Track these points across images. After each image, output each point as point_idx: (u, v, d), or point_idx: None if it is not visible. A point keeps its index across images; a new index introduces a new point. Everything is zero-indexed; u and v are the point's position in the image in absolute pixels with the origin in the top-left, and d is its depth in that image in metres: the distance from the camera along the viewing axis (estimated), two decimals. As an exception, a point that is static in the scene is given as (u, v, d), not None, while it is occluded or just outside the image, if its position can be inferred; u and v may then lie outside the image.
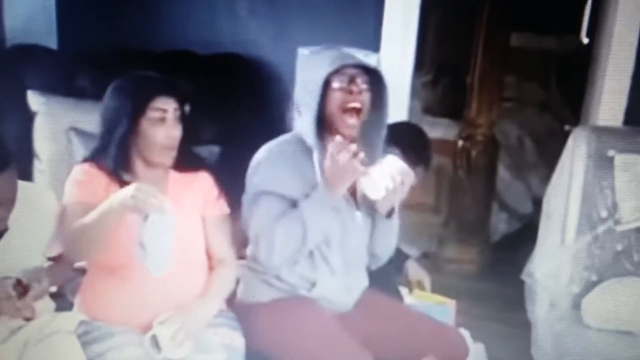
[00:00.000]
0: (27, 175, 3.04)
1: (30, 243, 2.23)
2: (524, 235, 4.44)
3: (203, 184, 2.40)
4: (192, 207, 2.36)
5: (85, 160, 2.30)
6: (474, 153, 4.44)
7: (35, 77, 3.28)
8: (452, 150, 4.53)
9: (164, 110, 2.21)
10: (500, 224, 4.81)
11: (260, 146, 2.65)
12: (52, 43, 3.67)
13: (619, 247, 2.92)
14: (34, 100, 3.20)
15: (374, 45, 3.48)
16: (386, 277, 2.72)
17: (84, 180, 2.22)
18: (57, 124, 3.15)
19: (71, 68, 3.38)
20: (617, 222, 2.91)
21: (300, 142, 2.23)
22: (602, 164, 2.94)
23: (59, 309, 2.31)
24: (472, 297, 3.73)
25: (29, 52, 3.42)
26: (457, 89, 5.03)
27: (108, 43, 3.50)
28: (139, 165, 2.27)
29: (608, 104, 3.17)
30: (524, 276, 3.05)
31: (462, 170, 4.53)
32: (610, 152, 2.94)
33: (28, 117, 3.19)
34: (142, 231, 2.02)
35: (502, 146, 4.68)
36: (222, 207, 2.43)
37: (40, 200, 2.29)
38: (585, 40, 5.93)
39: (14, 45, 3.49)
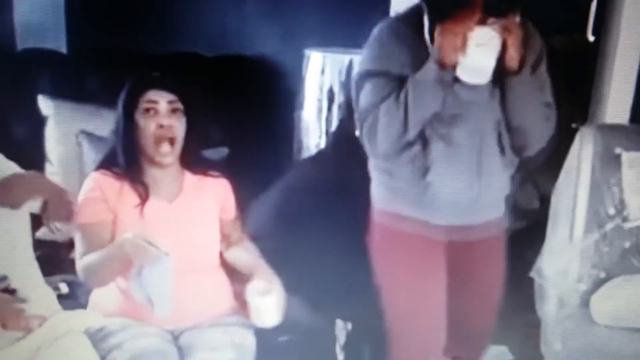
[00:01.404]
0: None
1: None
2: (532, 232, 4.44)
3: (221, 189, 2.45)
4: (207, 210, 2.39)
5: (97, 167, 2.37)
6: None
7: (46, 81, 3.32)
8: None
9: (155, 102, 2.25)
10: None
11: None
12: (61, 47, 3.70)
13: (627, 245, 2.93)
14: (45, 104, 3.23)
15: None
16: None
17: (95, 196, 2.26)
18: (67, 128, 3.19)
19: (81, 72, 3.41)
20: (624, 219, 2.92)
21: (413, 17, 2.15)
22: (609, 162, 2.95)
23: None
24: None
25: (39, 56, 3.47)
26: None
27: (117, 46, 3.51)
28: (147, 165, 2.31)
29: (615, 102, 3.18)
30: (532, 274, 3.05)
31: None
32: (617, 150, 2.96)
33: (39, 121, 3.23)
34: (143, 282, 2.07)
35: None
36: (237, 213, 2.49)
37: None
38: (592, 38, 5.92)
39: (24, 49, 3.53)
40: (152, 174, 2.32)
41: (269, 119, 3.52)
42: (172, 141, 2.27)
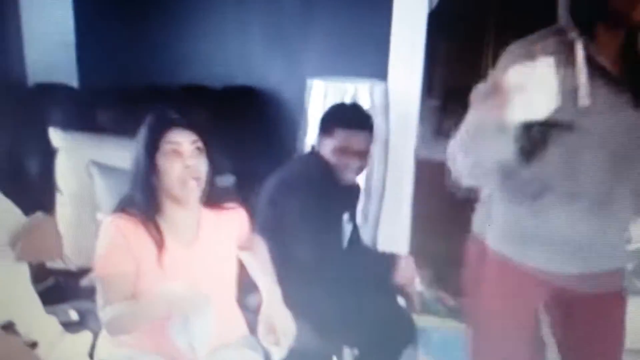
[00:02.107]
0: (49, 208, 3.10)
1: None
2: None
3: (237, 220, 2.42)
4: (226, 246, 2.36)
5: (115, 210, 2.28)
6: None
7: (57, 114, 3.36)
8: None
9: (178, 143, 2.19)
10: None
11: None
12: (72, 80, 3.75)
13: (630, 267, 2.85)
14: (56, 136, 3.27)
15: (382, 73, 3.58)
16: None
17: (119, 244, 2.18)
18: (78, 159, 3.22)
19: (91, 105, 3.46)
20: (627, 242, 2.92)
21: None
22: None
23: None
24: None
25: (50, 90, 3.52)
26: (464, 112, 5.04)
27: (126, 80, 3.59)
28: (168, 206, 2.25)
29: None
30: None
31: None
32: None
33: (50, 153, 3.26)
34: (189, 329, 2.07)
35: None
36: (254, 241, 2.46)
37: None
38: None
39: (36, 83, 3.59)
40: (171, 215, 2.26)
41: (273, 146, 3.55)
42: (197, 180, 2.22)
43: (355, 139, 2.82)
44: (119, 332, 2.20)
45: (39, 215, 2.34)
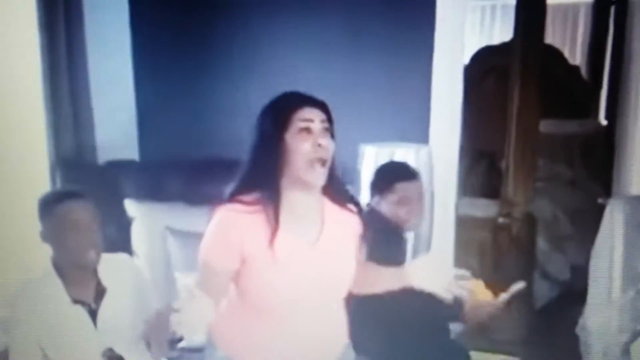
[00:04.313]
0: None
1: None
2: (566, 300, 4.73)
3: (356, 227, 2.23)
4: (348, 248, 2.21)
5: (229, 198, 2.11)
6: (514, 228, 4.64)
7: (129, 187, 3.73)
8: (493, 227, 4.75)
9: (310, 120, 2.05)
10: (543, 292, 5.13)
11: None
12: (135, 155, 4.07)
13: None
14: (130, 207, 3.69)
15: (424, 138, 3.77)
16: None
17: (220, 237, 2.08)
18: (151, 226, 3.56)
19: (157, 176, 3.78)
20: None
21: None
22: (639, 228, 3.25)
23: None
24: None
25: (120, 166, 3.85)
26: (492, 172, 5.39)
27: (184, 153, 3.86)
28: (290, 192, 2.08)
29: (638, 177, 3.60)
30: (577, 331, 3.37)
31: (503, 244, 4.88)
32: None
33: (127, 222, 3.59)
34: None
35: (539, 221, 4.86)
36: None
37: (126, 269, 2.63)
38: (604, 122, 6.29)
39: (108, 162, 3.89)
40: (293, 201, 2.09)
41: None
42: (323, 163, 2.04)
43: (414, 188, 3.03)
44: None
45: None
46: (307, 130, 2.03)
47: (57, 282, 2.45)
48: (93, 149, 3.96)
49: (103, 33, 3.99)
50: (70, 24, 3.75)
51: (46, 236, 2.47)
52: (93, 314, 2.48)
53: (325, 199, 2.16)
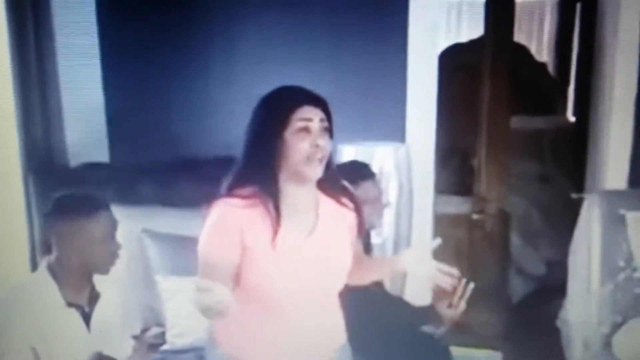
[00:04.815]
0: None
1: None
2: (543, 294, 4.78)
3: (351, 221, 2.27)
4: (342, 236, 2.25)
5: (227, 190, 2.12)
6: (488, 225, 4.72)
7: (104, 190, 3.56)
8: (467, 224, 4.80)
9: (309, 120, 2.06)
10: (518, 287, 5.21)
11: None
12: (105, 158, 3.98)
13: (638, 291, 3.28)
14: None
15: (401, 137, 3.82)
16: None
17: (219, 231, 2.09)
18: (129, 229, 3.41)
19: (132, 178, 3.68)
20: (634, 270, 3.27)
21: None
22: (615, 222, 3.31)
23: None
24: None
25: (94, 169, 3.76)
26: (465, 169, 5.41)
27: (156, 154, 3.76)
28: (286, 186, 2.11)
29: (612, 172, 3.60)
30: (558, 324, 3.41)
31: (478, 241, 4.76)
32: (621, 211, 3.32)
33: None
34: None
35: (513, 217, 4.93)
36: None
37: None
38: (572, 119, 6.35)
39: (81, 164, 3.81)
40: (290, 195, 2.12)
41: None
42: (321, 160, 2.08)
43: (373, 187, 3.04)
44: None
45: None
46: (306, 129, 2.05)
47: (51, 285, 2.44)
48: (64, 151, 3.90)
49: (71, 34, 3.91)
50: (39, 27, 3.69)
51: (57, 242, 2.46)
52: (86, 318, 2.48)
53: (320, 194, 2.20)
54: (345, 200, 2.26)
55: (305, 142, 2.05)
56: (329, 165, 2.13)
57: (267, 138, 2.07)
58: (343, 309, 2.30)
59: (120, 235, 2.92)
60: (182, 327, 3.26)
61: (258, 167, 2.09)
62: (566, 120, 6.59)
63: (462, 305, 2.46)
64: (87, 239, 2.41)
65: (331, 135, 2.12)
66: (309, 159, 2.06)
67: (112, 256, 2.48)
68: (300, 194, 2.14)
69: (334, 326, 2.29)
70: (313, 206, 2.19)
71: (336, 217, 2.22)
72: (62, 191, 2.61)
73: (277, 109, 2.09)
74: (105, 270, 2.48)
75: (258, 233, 2.08)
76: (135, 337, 2.45)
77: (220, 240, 2.09)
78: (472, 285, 2.42)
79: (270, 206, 2.08)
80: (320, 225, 2.18)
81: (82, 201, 2.50)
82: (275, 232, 2.07)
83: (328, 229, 2.19)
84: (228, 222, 2.09)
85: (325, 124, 2.09)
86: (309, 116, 2.06)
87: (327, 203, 2.21)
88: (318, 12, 3.82)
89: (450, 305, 2.52)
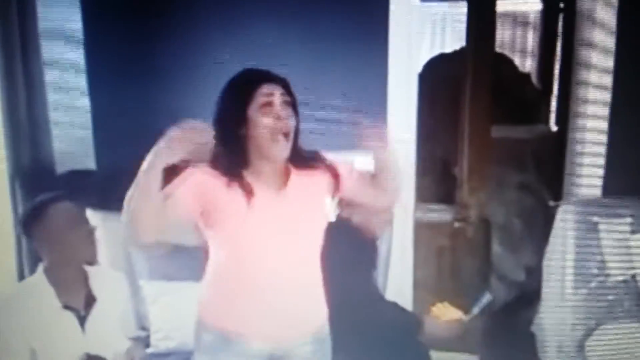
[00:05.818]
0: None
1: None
2: (521, 300, 4.83)
3: (330, 176, 2.37)
4: (316, 202, 2.32)
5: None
6: (469, 232, 4.77)
7: (89, 196, 3.59)
8: (449, 232, 4.84)
9: (272, 94, 2.17)
10: (500, 294, 5.20)
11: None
12: (91, 164, 4.02)
13: (611, 297, 3.34)
14: (92, 216, 3.56)
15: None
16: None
17: (189, 195, 2.17)
18: (114, 235, 3.40)
19: (117, 184, 3.75)
20: (607, 276, 3.34)
21: None
22: (589, 229, 3.38)
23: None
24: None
25: (80, 175, 3.85)
26: (447, 177, 5.45)
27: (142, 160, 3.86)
28: (256, 161, 2.21)
29: (587, 181, 3.63)
30: (533, 328, 3.46)
31: (459, 248, 4.82)
32: (595, 219, 3.38)
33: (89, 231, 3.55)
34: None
35: (493, 224, 4.98)
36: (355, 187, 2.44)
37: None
38: (554, 128, 6.39)
39: (67, 171, 3.87)
40: (258, 169, 2.23)
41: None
42: (286, 135, 2.18)
43: None
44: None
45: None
46: (269, 104, 2.17)
47: (48, 288, 2.50)
48: (51, 158, 3.93)
49: (57, 40, 3.96)
50: (25, 34, 3.71)
51: (40, 247, 2.53)
52: (82, 320, 2.54)
53: (291, 167, 2.30)
54: (317, 164, 2.36)
55: (269, 116, 2.16)
56: (295, 144, 2.24)
57: (233, 116, 2.19)
58: (334, 307, 2.39)
59: (104, 240, 3.25)
60: (167, 330, 3.31)
61: (228, 145, 2.20)
62: (548, 129, 6.63)
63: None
64: (57, 230, 2.58)
65: (296, 113, 2.24)
66: (272, 134, 2.16)
67: (89, 238, 2.66)
68: (269, 168, 2.24)
69: (315, 301, 2.35)
70: (282, 172, 2.28)
71: (308, 182, 2.31)
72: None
73: (240, 88, 2.21)
74: (90, 256, 2.60)
75: (232, 198, 2.17)
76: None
77: (187, 198, 2.17)
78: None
79: (239, 182, 2.19)
80: (290, 185, 2.27)
81: (41, 202, 2.67)
82: (249, 198, 2.18)
83: (298, 188, 2.27)
84: (199, 188, 2.18)
85: (287, 97, 2.21)
86: (270, 91, 2.18)
87: (296, 172, 2.31)
88: (298, 23, 3.88)
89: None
